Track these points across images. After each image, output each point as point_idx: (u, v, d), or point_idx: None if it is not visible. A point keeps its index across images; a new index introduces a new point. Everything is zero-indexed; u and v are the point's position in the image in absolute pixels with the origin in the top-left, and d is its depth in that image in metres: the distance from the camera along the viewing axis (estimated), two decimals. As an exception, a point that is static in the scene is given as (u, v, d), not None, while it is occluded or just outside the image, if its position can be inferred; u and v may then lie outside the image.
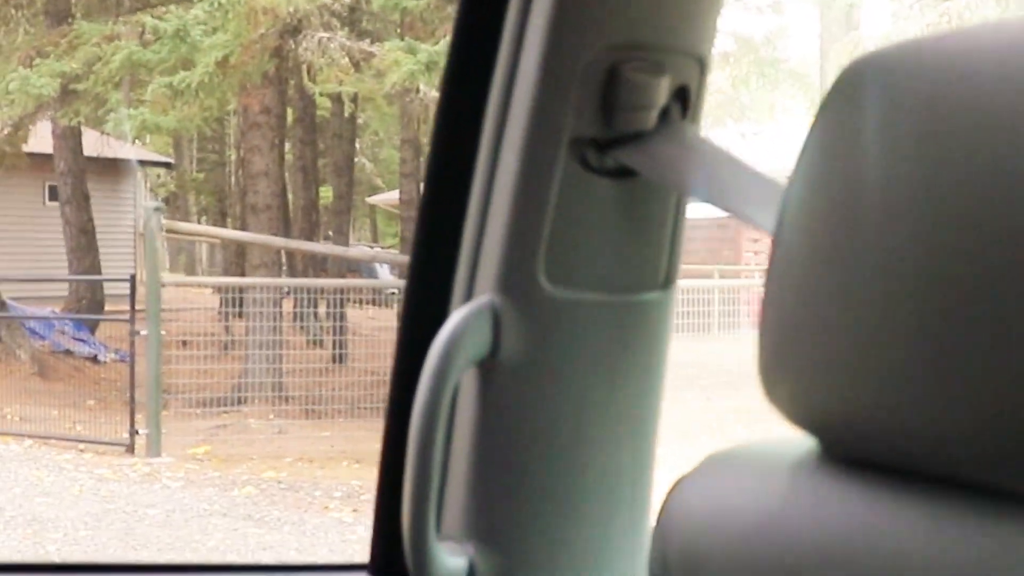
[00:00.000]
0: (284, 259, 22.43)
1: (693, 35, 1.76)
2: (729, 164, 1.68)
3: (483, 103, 1.74)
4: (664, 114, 1.73)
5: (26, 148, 22.74)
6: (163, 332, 15.94)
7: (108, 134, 22.94)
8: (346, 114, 20.67)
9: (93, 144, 27.23)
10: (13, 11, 21.41)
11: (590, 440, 1.79)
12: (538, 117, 1.68)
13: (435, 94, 15.66)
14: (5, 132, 21.38)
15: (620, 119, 1.70)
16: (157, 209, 16.04)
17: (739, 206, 1.63)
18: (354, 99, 21.07)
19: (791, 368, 1.07)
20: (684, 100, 1.76)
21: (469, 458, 1.77)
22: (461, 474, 1.78)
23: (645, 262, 1.79)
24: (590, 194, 1.72)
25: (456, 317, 1.68)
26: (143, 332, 15.68)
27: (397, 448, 1.81)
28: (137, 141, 21.54)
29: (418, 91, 15.60)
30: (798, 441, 1.13)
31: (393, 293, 26.09)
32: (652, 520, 1.22)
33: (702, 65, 1.77)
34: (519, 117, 1.69)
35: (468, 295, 1.75)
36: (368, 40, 16.55)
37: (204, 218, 48.35)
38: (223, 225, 39.71)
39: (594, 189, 1.72)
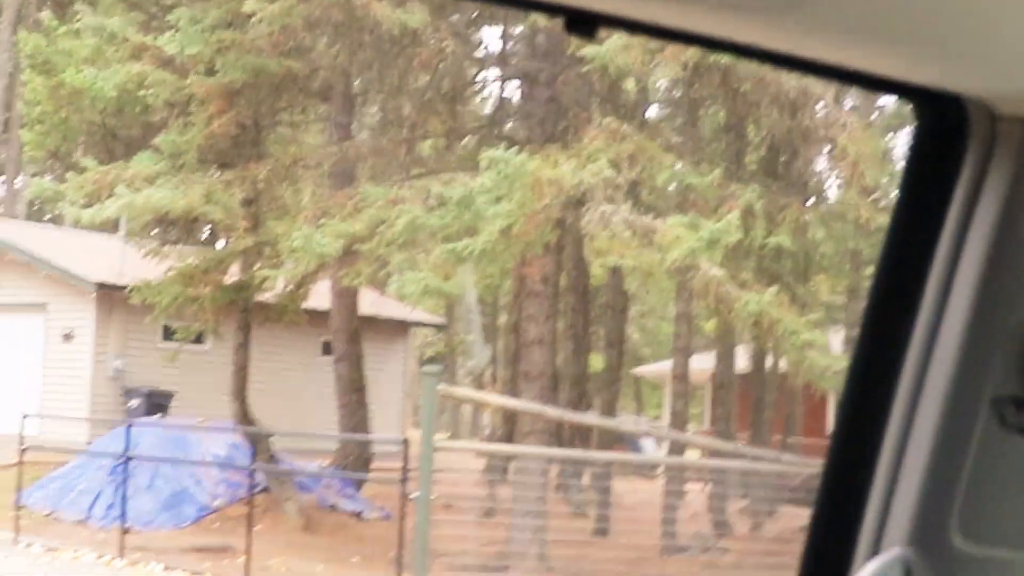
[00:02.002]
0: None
1: None
2: None
3: (902, 356, 1.76)
4: None
5: (304, 304, 23.35)
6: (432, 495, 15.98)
7: (387, 295, 23.41)
8: (625, 287, 20.75)
9: (367, 303, 27.92)
10: (301, 171, 22.10)
11: None
12: (960, 375, 1.70)
13: (715, 271, 15.69)
14: (288, 289, 21.99)
15: None
16: (435, 373, 16.20)
17: None
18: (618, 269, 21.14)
19: None
20: None
21: None
22: None
23: None
24: (1007, 451, 1.72)
25: (870, 570, 1.69)
26: (413, 494, 15.78)
27: None
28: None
29: (698, 268, 15.61)
30: None
31: (655, 467, 25.96)
32: None
33: None
34: (941, 373, 1.71)
35: (876, 547, 1.75)
36: (651, 214, 16.65)
37: (469, 379, 49.00)
38: (491, 388, 40.19)
39: (1011, 447, 1.72)
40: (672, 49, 16.10)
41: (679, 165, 17.83)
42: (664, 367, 41.96)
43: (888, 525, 1.76)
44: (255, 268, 20.94)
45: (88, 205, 19.42)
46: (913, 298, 1.76)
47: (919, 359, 1.74)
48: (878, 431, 1.78)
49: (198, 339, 26.61)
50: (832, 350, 16.69)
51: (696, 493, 25.11)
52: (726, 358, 28.30)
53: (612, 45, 16.36)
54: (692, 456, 30.01)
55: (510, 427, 24.86)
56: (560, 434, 24.95)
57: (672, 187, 18.23)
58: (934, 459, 1.71)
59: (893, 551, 1.73)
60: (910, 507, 1.72)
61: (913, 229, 1.79)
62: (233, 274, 21.94)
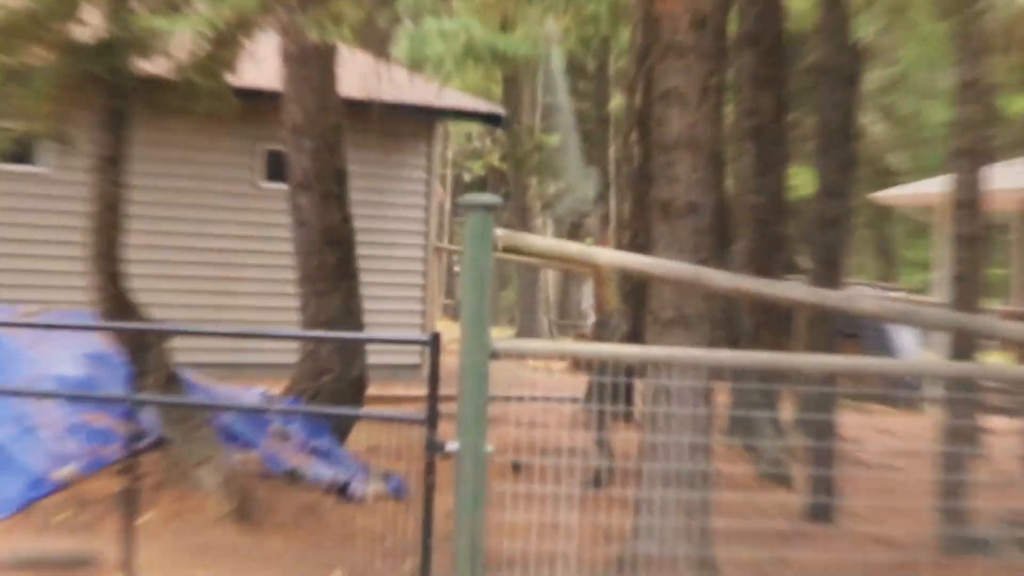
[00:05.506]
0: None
1: None
2: None
3: None
4: None
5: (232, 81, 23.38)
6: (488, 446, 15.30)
7: (393, 63, 23.65)
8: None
9: (354, 79, 28.14)
10: None
11: None
12: None
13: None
14: (198, 53, 22.01)
15: None
16: (486, 205, 15.62)
17: None
18: None
19: None
20: None
21: None
22: None
23: None
24: None
25: None
26: (449, 446, 15.01)
27: None
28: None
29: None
30: None
31: None
32: None
33: None
34: None
35: None
36: None
37: (553, 226, 49.56)
38: (600, 238, 40.70)
39: None
40: None
41: None
42: (929, 187, 41.50)
43: None
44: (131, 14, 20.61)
45: None
46: None
47: None
48: None
49: (21, 156, 26.75)
50: None
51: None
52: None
53: None
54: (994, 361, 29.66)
55: (635, 308, 24.64)
56: (733, 321, 24.74)
57: None
58: None
59: None
60: None
61: None
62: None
